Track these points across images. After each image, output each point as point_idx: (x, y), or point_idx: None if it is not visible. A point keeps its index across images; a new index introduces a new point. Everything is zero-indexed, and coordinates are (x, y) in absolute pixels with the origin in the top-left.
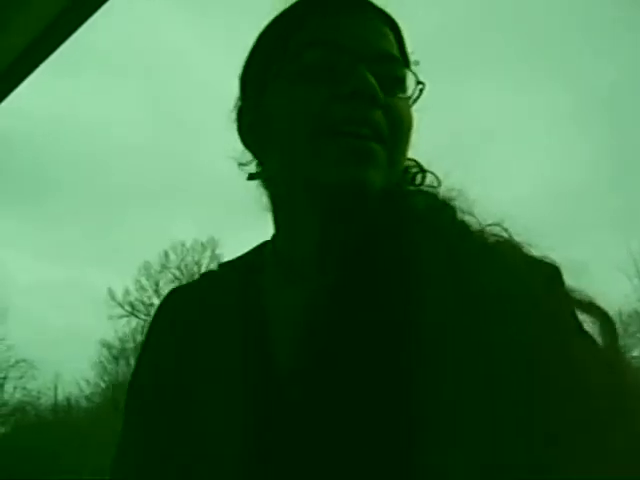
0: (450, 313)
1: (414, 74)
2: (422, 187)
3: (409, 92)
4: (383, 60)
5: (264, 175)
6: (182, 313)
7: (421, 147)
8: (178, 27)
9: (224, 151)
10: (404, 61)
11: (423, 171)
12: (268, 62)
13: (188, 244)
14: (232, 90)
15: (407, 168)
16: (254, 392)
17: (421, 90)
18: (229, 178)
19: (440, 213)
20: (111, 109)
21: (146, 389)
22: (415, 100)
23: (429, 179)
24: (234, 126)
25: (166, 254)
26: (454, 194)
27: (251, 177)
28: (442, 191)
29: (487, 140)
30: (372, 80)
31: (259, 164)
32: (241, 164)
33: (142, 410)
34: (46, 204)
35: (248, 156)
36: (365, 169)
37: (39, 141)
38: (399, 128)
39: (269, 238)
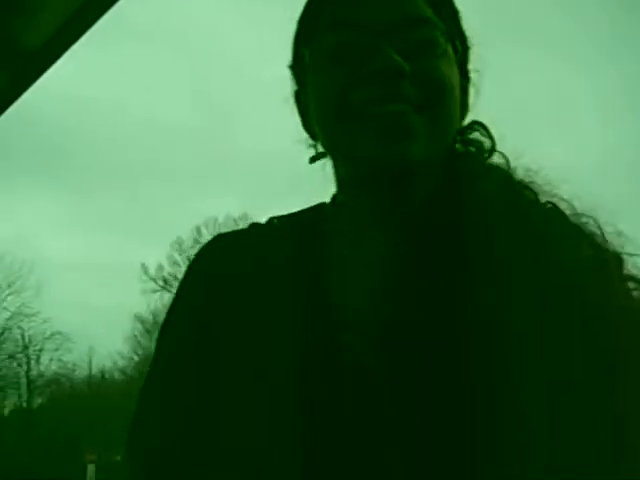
0: (524, 299)
1: (453, 31)
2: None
3: (449, 51)
4: (408, 25)
5: (323, 155)
6: (230, 259)
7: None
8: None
9: (260, 129)
10: (443, 20)
11: (487, 132)
12: (302, 47)
13: (220, 220)
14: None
15: (468, 132)
16: (317, 342)
17: (463, 48)
18: (264, 156)
19: (510, 200)
20: (149, 84)
21: (185, 333)
22: (462, 58)
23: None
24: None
25: (198, 230)
26: (526, 173)
27: (312, 160)
28: (513, 171)
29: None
30: (394, 55)
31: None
32: (310, 145)
33: (178, 353)
34: (84, 180)
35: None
36: (400, 144)
37: (76, 118)
38: (435, 91)
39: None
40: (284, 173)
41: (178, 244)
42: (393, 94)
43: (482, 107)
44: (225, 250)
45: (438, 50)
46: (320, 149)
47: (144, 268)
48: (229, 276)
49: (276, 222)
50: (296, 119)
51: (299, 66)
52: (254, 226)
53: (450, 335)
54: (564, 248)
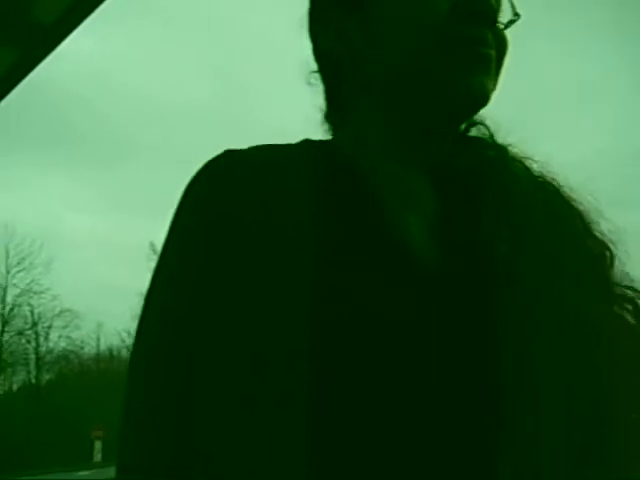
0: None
1: (512, 5)
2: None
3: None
4: None
5: (353, 83)
6: (253, 177)
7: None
8: None
9: (277, 107)
10: None
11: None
12: None
13: None
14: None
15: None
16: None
17: (514, 20)
18: (281, 135)
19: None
20: (164, 61)
21: (202, 261)
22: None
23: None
24: (306, 34)
25: None
26: (519, 148)
27: (342, 81)
28: (508, 143)
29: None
30: (493, 5)
31: (340, 73)
32: (313, 71)
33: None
34: (96, 158)
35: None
36: (485, 77)
37: (91, 94)
38: (504, 53)
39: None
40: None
41: None
42: (484, 37)
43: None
44: (244, 167)
45: (503, 17)
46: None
47: (152, 247)
48: (256, 196)
49: (289, 146)
50: (314, 100)
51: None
52: (271, 148)
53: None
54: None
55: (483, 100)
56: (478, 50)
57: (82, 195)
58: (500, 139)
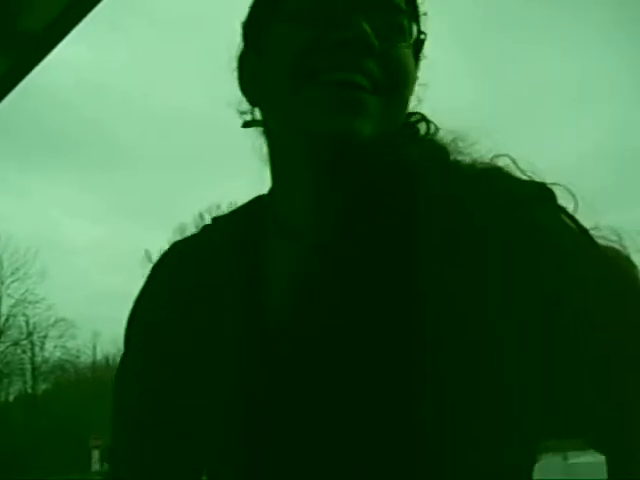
0: (450, 269)
1: (417, 24)
2: (419, 136)
3: (411, 41)
4: (383, 8)
5: (260, 124)
6: (180, 266)
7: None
8: None
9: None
10: (410, 11)
11: (427, 122)
12: (267, 5)
13: (223, 207)
14: None
15: (410, 120)
16: (246, 345)
17: (422, 40)
18: None
19: (432, 160)
20: (157, 66)
21: (143, 333)
22: (418, 50)
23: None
24: (234, 74)
25: (201, 216)
26: (450, 137)
27: (246, 125)
28: (439, 137)
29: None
30: (367, 28)
31: (258, 112)
32: (241, 112)
33: (141, 351)
34: (88, 163)
35: (246, 105)
36: (352, 119)
37: (85, 102)
38: (396, 77)
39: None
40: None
41: (181, 230)
42: (356, 66)
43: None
44: (178, 257)
45: (406, 37)
46: (256, 116)
47: (147, 255)
48: (181, 282)
49: (217, 223)
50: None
51: (254, 24)
52: (205, 229)
53: (380, 329)
54: (472, 193)
55: (352, 142)
56: (342, 93)
57: (76, 202)
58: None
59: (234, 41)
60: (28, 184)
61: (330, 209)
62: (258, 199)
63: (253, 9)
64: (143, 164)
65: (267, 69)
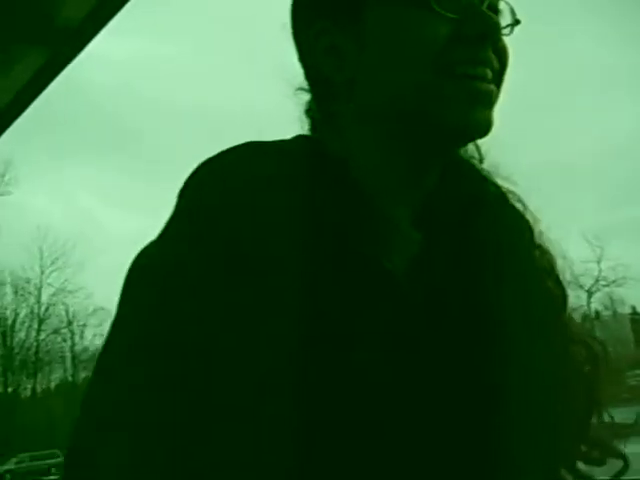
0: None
1: (512, 10)
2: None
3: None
4: None
5: (345, 104)
6: (243, 191)
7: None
8: None
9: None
10: None
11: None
12: None
13: None
14: None
15: None
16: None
17: (514, 26)
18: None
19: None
20: (194, 59)
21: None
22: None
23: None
24: (291, 45)
25: None
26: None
27: (321, 106)
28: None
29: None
30: (498, 23)
31: (330, 90)
32: (300, 89)
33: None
34: (127, 154)
35: (303, 80)
36: (489, 112)
37: (119, 90)
38: (505, 67)
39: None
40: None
41: None
42: (489, 60)
43: None
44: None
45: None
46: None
47: None
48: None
49: (278, 147)
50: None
51: (348, 2)
52: (271, 148)
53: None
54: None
55: (484, 133)
56: (478, 86)
57: (114, 193)
58: (489, 160)
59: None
60: (66, 176)
61: (421, 192)
62: (319, 147)
63: None
64: (180, 156)
65: (385, 52)
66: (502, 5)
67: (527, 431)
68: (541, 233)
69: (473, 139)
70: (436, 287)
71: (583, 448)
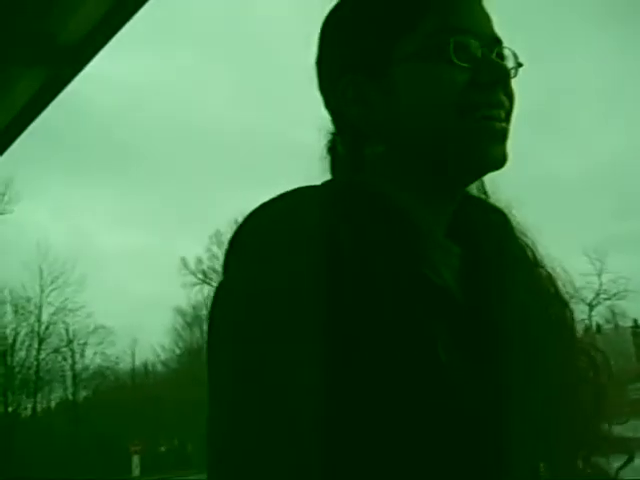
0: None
1: (514, 54)
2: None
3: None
4: (497, 43)
5: (377, 149)
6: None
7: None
8: None
9: (302, 121)
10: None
11: None
12: (392, 39)
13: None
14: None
15: None
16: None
17: (517, 69)
18: (307, 148)
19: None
20: (193, 77)
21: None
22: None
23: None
24: (318, 96)
25: (236, 222)
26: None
27: (355, 155)
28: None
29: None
30: (508, 69)
31: (358, 136)
32: (333, 133)
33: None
34: (128, 173)
35: (331, 126)
36: (502, 147)
37: (119, 109)
38: (514, 106)
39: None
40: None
41: (217, 237)
42: (501, 102)
43: None
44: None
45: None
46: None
47: (184, 262)
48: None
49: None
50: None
51: (377, 56)
52: (334, 189)
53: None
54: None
55: (502, 166)
56: (495, 126)
57: (114, 212)
58: (489, 191)
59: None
60: (66, 194)
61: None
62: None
63: (363, 38)
64: (178, 173)
65: (413, 100)
66: (506, 51)
67: (536, 431)
68: (541, 252)
69: (493, 171)
70: (485, 297)
71: (592, 443)
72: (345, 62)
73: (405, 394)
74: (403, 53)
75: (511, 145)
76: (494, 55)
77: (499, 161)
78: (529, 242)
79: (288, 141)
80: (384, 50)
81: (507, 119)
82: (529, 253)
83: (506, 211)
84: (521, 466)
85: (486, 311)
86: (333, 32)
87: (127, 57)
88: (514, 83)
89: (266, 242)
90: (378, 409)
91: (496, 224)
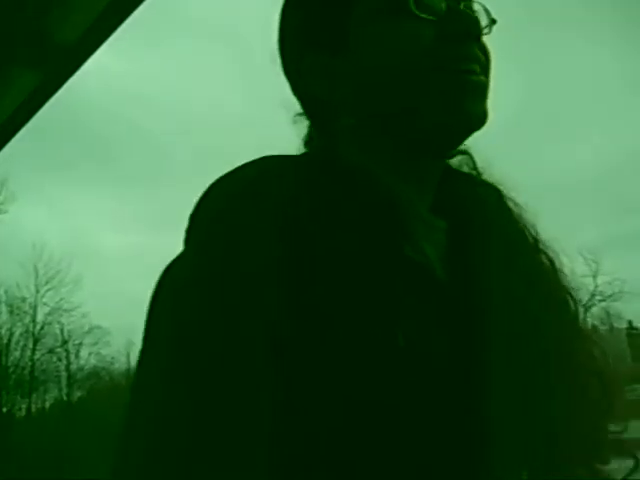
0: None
1: (487, 10)
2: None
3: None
4: None
5: (348, 122)
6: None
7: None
8: None
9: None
10: None
11: None
12: (347, 4)
13: None
14: None
15: None
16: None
17: (491, 26)
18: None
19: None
20: (193, 77)
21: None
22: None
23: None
24: (281, 74)
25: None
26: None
27: (322, 125)
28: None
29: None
30: (478, 19)
31: (327, 111)
32: (300, 114)
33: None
34: (124, 172)
35: (298, 106)
36: (482, 104)
37: (116, 108)
38: (490, 59)
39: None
40: None
41: None
42: (474, 55)
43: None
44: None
45: (484, 22)
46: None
47: None
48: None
49: (315, 158)
50: None
51: (333, 19)
52: (309, 159)
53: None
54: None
55: (481, 124)
56: (470, 79)
57: (110, 211)
58: (481, 168)
59: (268, 47)
60: (62, 194)
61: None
62: (325, 156)
63: (321, 5)
64: (176, 173)
65: (378, 61)
66: (476, 7)
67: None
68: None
69: (472, 131)
70: (470, 275)
71: (596, 447)
72: (306, 39)
73: (357, 383)
74: (360, 17)
75: (511, 145)
76: (462, 7)
77: (480, 118)
78: (528, 224)
79: (290, 140)
80: (341, 17)
81: (485, 74)
82: (528, 235)
83: (501, 188)
84: (504, 464)
85: (470, 290)
86: (290, 11)
87: (125, 56)
88: (511, 56)
89: (217, 219)
90: (329, 400)
91: (487, 199)
